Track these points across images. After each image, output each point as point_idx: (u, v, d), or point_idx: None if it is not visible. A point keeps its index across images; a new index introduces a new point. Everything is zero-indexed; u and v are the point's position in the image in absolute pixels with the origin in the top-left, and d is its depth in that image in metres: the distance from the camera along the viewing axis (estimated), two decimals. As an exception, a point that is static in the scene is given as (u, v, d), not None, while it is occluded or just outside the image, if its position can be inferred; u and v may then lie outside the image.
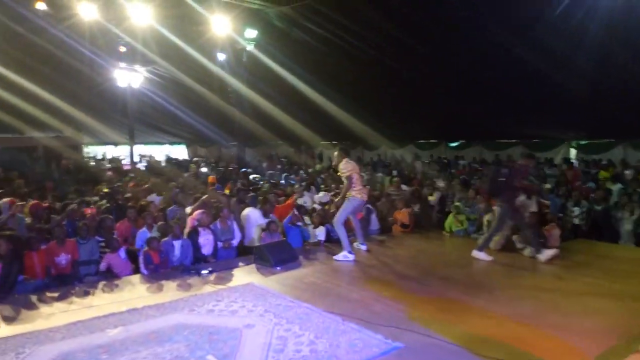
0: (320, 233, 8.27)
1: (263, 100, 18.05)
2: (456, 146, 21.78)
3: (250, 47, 15.02)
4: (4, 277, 5.59)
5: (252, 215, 8.03)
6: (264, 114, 18.97)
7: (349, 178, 7.22)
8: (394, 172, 15.27)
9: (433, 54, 14.40)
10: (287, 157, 24.70)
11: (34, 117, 22.94)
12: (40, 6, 13.91)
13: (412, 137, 22.17)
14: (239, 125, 18.33)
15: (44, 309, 5.20)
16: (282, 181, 14.21)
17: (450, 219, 9.17)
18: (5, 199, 7.43)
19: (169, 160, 25.52)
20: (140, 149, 28.64)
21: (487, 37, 12.11)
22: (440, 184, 11.70)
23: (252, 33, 15.20)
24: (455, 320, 4.73)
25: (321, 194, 10.35)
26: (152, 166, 20.52)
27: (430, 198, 10.61)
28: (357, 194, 7.28)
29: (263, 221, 7.85)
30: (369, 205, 9.27)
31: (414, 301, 5.31)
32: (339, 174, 7.59)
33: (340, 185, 7.80)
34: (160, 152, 32.35)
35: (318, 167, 19.60)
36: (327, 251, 7.77)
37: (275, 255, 6.87)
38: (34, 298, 5.51)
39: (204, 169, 18.43)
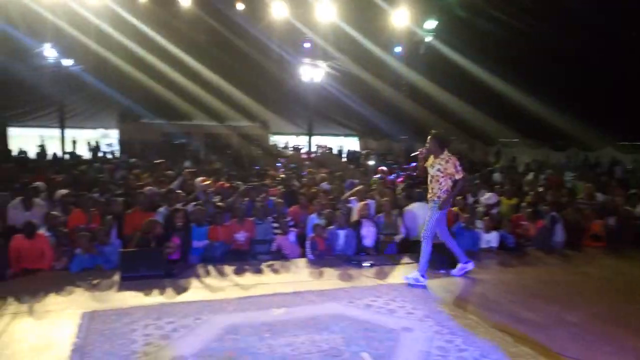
0: (492, 238, 7.54)
1: (439, 93, 17.37)
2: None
3: (429, 39, 14.52)
4: (182, 246, 6.29)
5: (418, 210, 7.68)
6: (439, 106, 18.27)
7: (461, 180, 5.63)
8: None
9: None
10: (459, 153, 23.54)
11: (226, 111, 26.00)
12: (239, 6, 15.48)
13: (611, 138, 18.98)
14: (411, 118, 18.00)
15: (221, 280, 5.70)
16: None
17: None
18: (200, 178, 8.41)
19: (340, 151, 26.49)
20: (317, 140, 30.32)
21: None
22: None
23: (431, 24, 14.69)
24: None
25: (487, 194, 9.36)
26: (326, 156, 21.48)
27: (632, 210, 8.87)
28: (447, 204, 5.68)
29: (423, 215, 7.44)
30: (554, 214, 8.16)
31: (607, 333, 4.42)
32: (435, 167, 5.64)
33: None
34: (335, 143, 33.77)
35: (496, 165, 18.18)
36: (500, 260, 7.04)
37: (441, 256, 6.44)
38: (213, 269, 6.09)
39: (371, 162, 18.60)
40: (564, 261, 7.25)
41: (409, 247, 7.37)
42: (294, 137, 34.74)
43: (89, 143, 28.93)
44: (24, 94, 24.28)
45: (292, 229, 7.02)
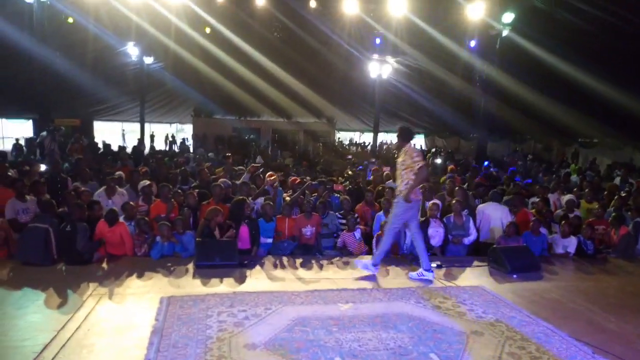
0: (569, 244, 7.14)
1: (516, 88, 16.63)
2: None
3: (506, 32, 13.95)
4: (251, 236, 6.48)
5: (491, 211, 7.44)
6: (515, 102, 17.50)
7: (422, 170, 5.44)
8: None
9: None
10: (534, 154, 22.45)
11: (295, 107, 26.45)
12: (312, 4, 15.67)
13: None
14: (484, 115, 17.36)
15: (288, 273, 5.85)
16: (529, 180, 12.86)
17: None
18: (269, 173, 8.64)
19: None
20: (382, 137, 30.13)
21: None
22: None
23: (509, 17, 14.10)
24: None
25: (566, 197, 8.87)
26: (390, 154, 21.28)
27: None
28: (413, 195, 5.55)
29: (507, 220, 7.19)
30: (638, 220, 7.60)
31: (702, 353, 4.08)
32: (399, 161, 5.65)
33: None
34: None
35: (572, 167, 17.18)
36: (577, 266, 6.67)
37: (514, 260, 6.22)
38: (281, 261, 6.26)
39: (438, 160, 18.16)
40: (649, 271, 6.74)
41: (479, 250, 7.19)
42: (358, 133, 34.68)
43: (166, 137, 30.65)
44: (108, 90, 26.07)
45: (358, 226, 7.04)
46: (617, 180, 12.61)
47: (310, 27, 17.63)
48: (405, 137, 5.77)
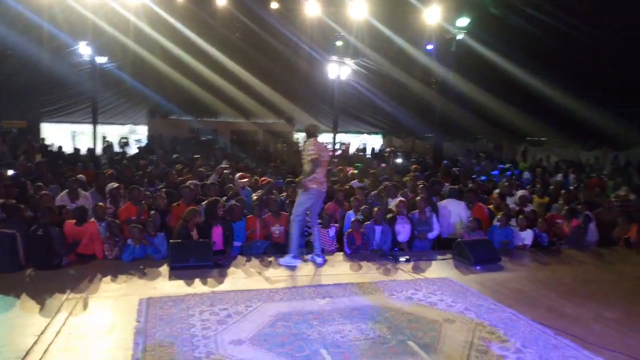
0: (526, 236, 7.60)
1: (470, 90, 17.36)
2: None
3: (460, 36, 14.52)
4: (225, 241, 6.54)
5: (452, 207, 7.81)
6: (469, 104, 18.23)
7: (314, 162, 6.03)
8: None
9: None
10: (485, 152, 23.40)
11: (254, 108, 26.32)
12: (273, 5, 15.75)
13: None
14: (440, 116, 18.00)
15: (264, 271, 5.94)
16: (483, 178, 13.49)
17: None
18: (238, 174, 8.68)
19: (364, 149, 26.63)
20: (340, 137, 30.45)
21: None
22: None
23: (464, 21, 14.70)
24: None
25: (519, 192, 9.40)
26: (349, 154, 21.66)
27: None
28: (316, 184, 6.14)
29: (466, 214, 7.57)
30: (587, 213, 8.18)
31: (648, 330, 4.51)
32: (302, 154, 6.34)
33: None
34: (359, 141, 33.85)
35: (522, 164, 18.08)
36: (535, 258, 7.13)
37: (476, 253, 6.58)
38: (255, 261, 6.34)
39: (398, 160, 18.70)
40: (598, 260, 7.30)
41: (442, 244, 7.54)
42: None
43: (120, 139, 29.73)
44: (58, 90, 25.06)
45: (333, 224, 7.20)
46: (562, 177, 13.41)
47: (271, 27, 17.72)
48: (309, 133, 6.44)
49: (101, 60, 25.86)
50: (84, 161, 10.98)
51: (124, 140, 29.09)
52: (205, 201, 6.94)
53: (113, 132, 31.05)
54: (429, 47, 17.69)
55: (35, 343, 3.76)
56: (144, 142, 27.33)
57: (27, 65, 20.54)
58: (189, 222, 6.22)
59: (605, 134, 16.97)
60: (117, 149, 26.01)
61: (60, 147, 16.41)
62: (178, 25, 20.13)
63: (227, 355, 3.68)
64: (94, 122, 27.78)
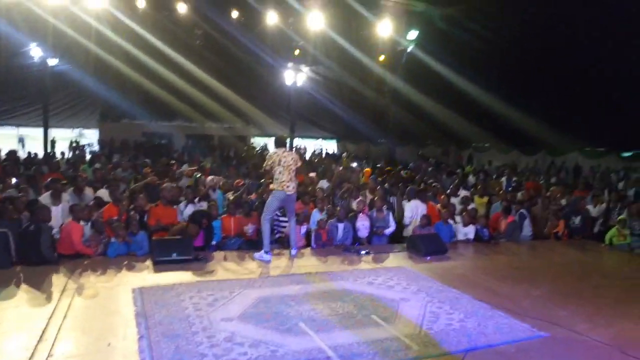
0: (469, 232, 8.61)
1: (419, 99, 18.59)
2: (630, 156, 19.63)
3: (410, 48, 15.68)
4: (205, 240, 7.13)
5: (409, 206, 8.71)
6: (418, 112, 19.48)
7: (267, 171, 7.28)
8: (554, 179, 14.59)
9: (614, 52, 13.40)
10: (434, 157, 24.85)
11: (212, 111, 26.55)
12: (234, 14, 16.32)
13: (577, 144, 20.58)
14: (392, 123, 19.17)
15: (242, 264, 6.57)
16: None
17: (612, 231, 8.77)
18: (210, 177, 9.22)
19: (319, 153, 27.52)
20: (297, 142, 31.19)
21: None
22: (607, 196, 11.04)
23: (413, 34, 15.89)
24: (604, 323, 4.88)
25: (462, 192, 10.50)
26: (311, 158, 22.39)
27: (592, 209, 10.14)
28: (280, 187, 6.83)
29: (420, 210, 8.46)
30: (522, 211, 9.30)
31: (563, 302, 5.50)
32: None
33: None
34: (314, 145, 34.68)
35: (468, 168, 19.46)
36: (476, 249, 8.13)
37: (427, 246, 7.48)
38: (232, 255, 6.96)
39: (353, 164, 19.69)
40: (530, 251, 8.41)
41: (397, 240, 8.43)
42: (272, 139, 35.42)
43: (71, 142, 29.05)
44: (6, 92, 24.38)
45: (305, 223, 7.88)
46: (506, 179, 14.75)
47: (231, 35, 18.21)
48: (275, 143, 7.31)
49: (53, 62, 25.37)
50: (51, 164, 11.09)
51: (75, 145, 28.53)
52: (182, 203, 7.49)
53: (61, 136, 30.34)
54: (382, 57, 18.80)
55: (47, 325, 4.23)
56: (96, 146, 26.95)
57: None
58: (193, 237, 6.77)
59: (543, 142, 18.70)
60: (67, 153, 25.53)
61: (15, 152, 16.13)
62: (137, 28, 20.23)
63: (221, 329, 4.31)
64: (45, 126, 27.12)
